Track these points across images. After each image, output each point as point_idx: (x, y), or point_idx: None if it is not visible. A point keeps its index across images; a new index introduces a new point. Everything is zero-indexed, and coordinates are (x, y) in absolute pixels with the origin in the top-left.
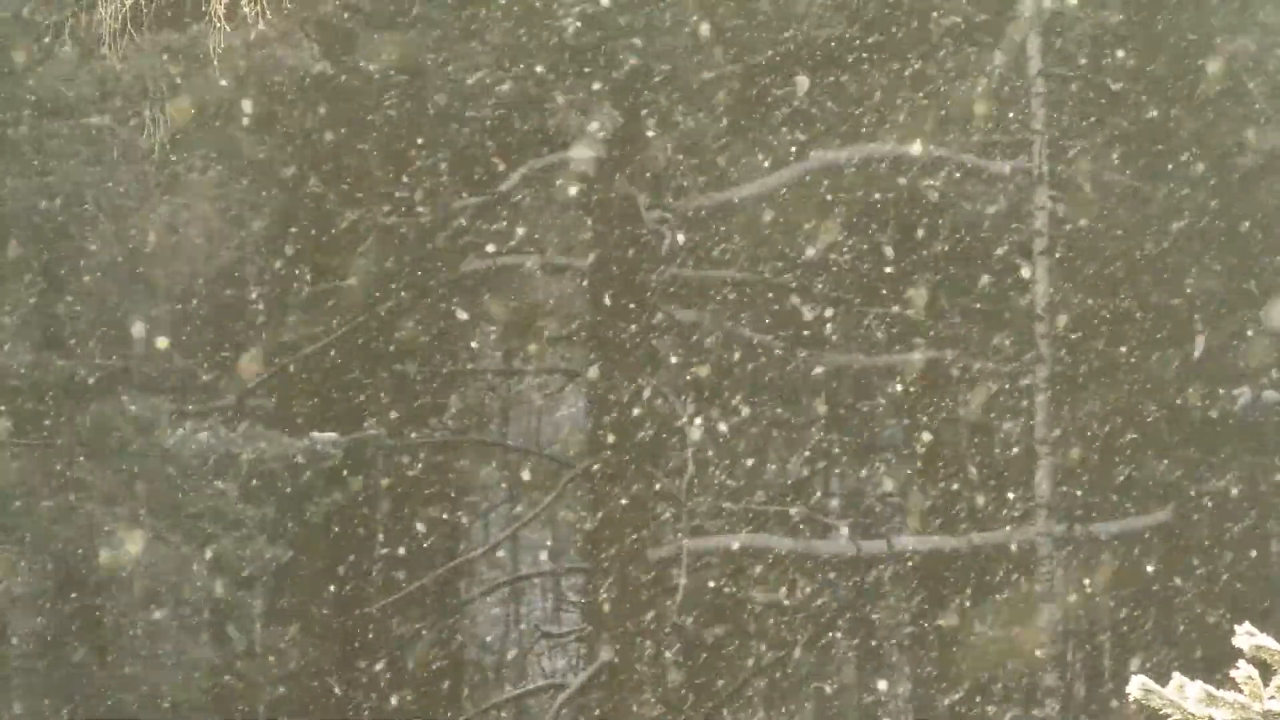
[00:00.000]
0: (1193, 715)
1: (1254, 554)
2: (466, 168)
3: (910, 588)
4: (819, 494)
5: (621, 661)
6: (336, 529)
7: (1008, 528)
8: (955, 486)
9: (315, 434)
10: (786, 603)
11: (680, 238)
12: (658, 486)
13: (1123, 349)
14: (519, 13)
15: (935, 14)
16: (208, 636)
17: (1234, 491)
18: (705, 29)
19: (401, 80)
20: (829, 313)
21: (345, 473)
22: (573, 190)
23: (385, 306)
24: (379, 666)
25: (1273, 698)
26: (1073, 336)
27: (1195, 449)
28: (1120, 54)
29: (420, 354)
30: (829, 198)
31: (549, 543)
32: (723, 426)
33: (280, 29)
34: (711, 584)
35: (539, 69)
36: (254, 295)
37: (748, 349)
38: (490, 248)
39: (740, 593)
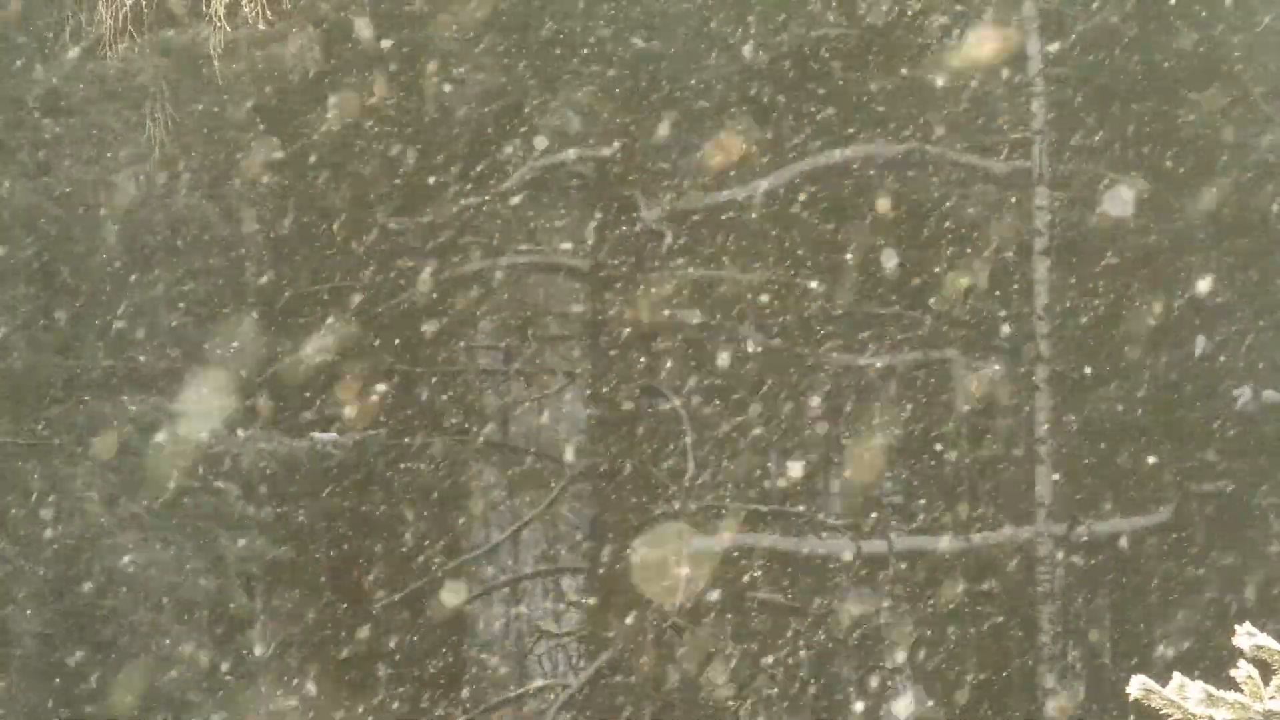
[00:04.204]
0: (1193, 715)
1: (1254, 554)
2: (466, 167)
3: (910, 587)
4: (819, 494)
5: (621, 661)
6: (336, 529)
7: (1008, 528)
8: (955, 486)
9: (315, 434)
10: (786, 602)
11: (680, 238)
12: (658, 487)
13: (1123, 349)
14: (520, 11)
15: (935, 13)
16: (207, 636)
17: (1234, 491)
18: (706, 27)
19: (401, 79)
20: (828, 312)
21: (345, 472)
22: (572, 190)
23: (385, 306)
24: (378, 667)
25: (1273, 698)
26: (1073, 336)
27: (1195, 449)
28: (1120, 54)
29: (420, 354)
30: (828, 197)
31: (549, 543)
32: (722, 426)
33: (280, 28)
34: (711, 583)
35: (539, 68)
36: (254, 295)
37: (748, 348)
38: (490, 248)
39: (740, 592)
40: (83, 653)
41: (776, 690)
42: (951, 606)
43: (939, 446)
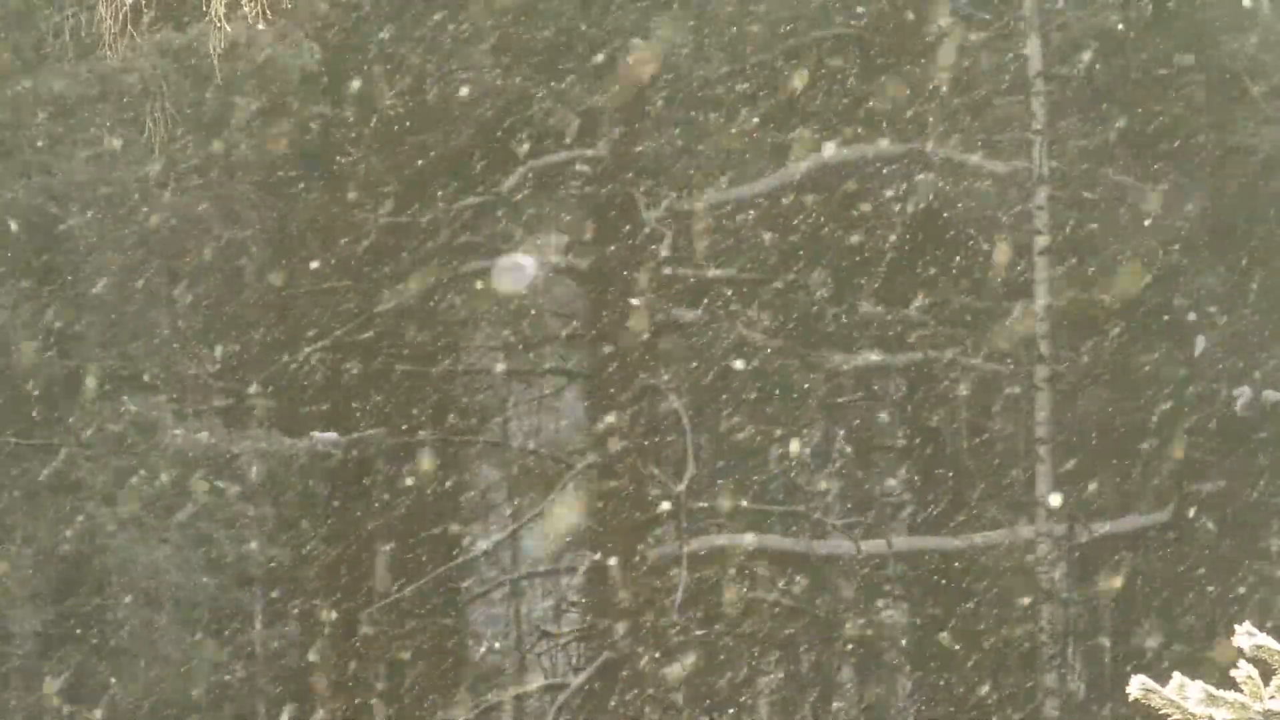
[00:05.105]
0: (1193, 715)
1: (1254, 554)
2: (466, 167)
3: (910, 587)
4: (819, 494)
5: (621, 661)
6: (336, 529)
7: (1008, 528)
8: (955, 486)
9: (316, 434)
10: (786, 602)
11: (680, 238)
12: (658, 486)
13: (1123, 349)
14: (519, 11)
15: (935, 13)
16: (207, 636)
17: (1234, 491)
18: (705, 27)
19: (401, 79)
20: (829, 312)
21: (345, 472)
22: (572, 190)
23: (386, 306)
24: (378, 667)
25: (1273, 698)
26: (1073, 336)
27: (1195, 449)
28: (1120, 53)
29: (420, 354)
30: (828, 197)
31: (549, 542)
32: (723, 426)
33: (280, 28)
34: (711, 584)
35: (538, 68)
36: (253, 295)
37: (748, 349)
38: (490, 248)
39: (740, 592)
40: (84, 653)
41: (776, 690)
42: (951, 606)
43: (939, 446)
